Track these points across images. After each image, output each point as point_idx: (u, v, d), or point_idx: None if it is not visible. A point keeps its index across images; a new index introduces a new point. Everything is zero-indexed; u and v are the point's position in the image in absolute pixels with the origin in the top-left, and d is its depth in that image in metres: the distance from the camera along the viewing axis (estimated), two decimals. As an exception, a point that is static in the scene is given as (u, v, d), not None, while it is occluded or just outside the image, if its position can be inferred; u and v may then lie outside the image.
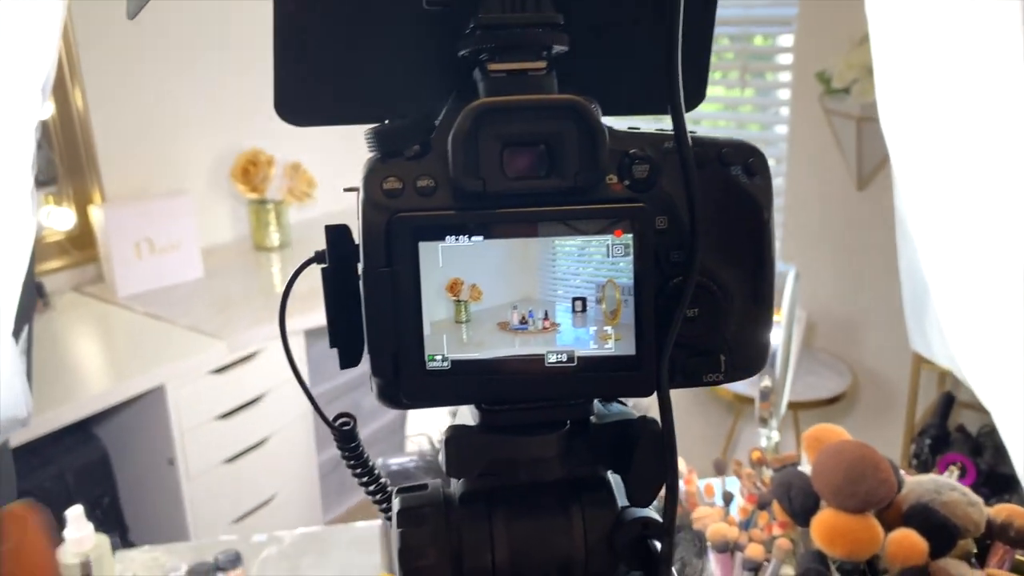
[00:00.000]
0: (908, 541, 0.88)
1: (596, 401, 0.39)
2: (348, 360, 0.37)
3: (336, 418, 0.42)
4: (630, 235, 0.34)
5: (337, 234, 0.37)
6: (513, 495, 0.38)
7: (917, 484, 0.95)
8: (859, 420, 2.68)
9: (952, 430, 2.37)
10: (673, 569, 0.36)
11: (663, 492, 0.37)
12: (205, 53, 2.54)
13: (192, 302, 2.32)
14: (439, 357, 0.35)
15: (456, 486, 0.39)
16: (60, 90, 2.25)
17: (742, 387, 2.46)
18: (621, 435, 0.37)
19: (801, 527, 0.96)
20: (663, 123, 0.38)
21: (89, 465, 2.09)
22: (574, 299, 0.35)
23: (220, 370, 2.10)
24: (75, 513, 1.11)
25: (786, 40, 2.67)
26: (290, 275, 0.39)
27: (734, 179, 0.36)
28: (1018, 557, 0.95)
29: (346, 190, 0.37)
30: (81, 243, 2.39)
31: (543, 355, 0.35)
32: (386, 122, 0.35)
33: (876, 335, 2.64)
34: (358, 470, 0.44)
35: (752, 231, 0.37)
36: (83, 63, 2.28)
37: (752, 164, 0.37)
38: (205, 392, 2.07)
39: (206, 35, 2.51)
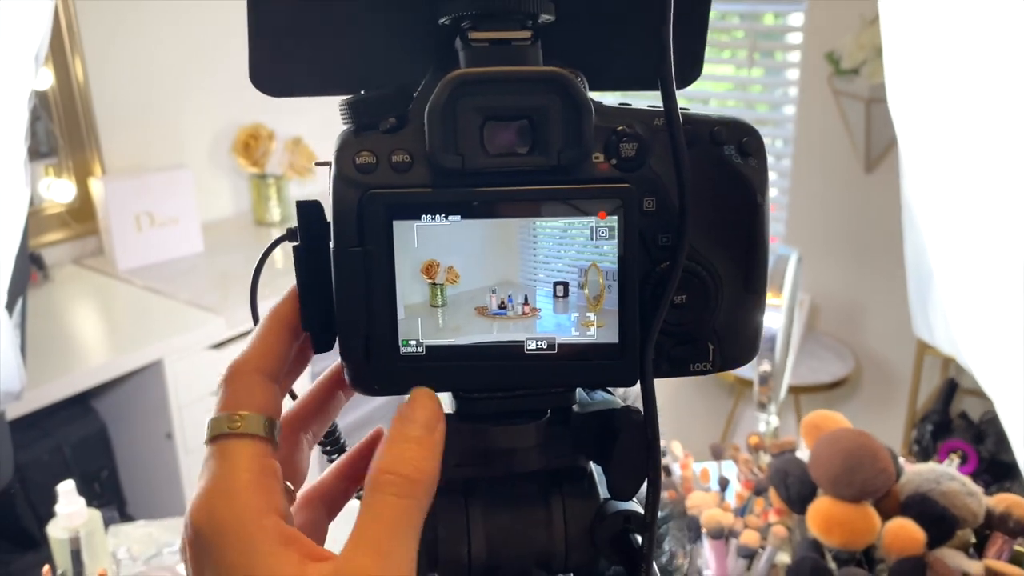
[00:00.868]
0: (905, 531, 0.87)
1: (580, 389, 0.38)
2: (321, 344, 0.36)
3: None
4: (615, 217, 0.32)
5: (308, 210, 0.35)
6: (491, 485, 0.37)
7: (916, 473, 0.94)
8: (861, 405, 2.66)
9: (954, 417, 2.35)
10: (655, 566, 0.35)
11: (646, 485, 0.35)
12: (207, 26, 2.51)
13: (192, 277, 2.31)
14: (413, 342, 0.33)
15: None
16: (60, 61, 2.23)
17: (743, 370, 2.45)
18: (604, 425, 0.36)
19: (797, 515, 0.95)
20: (657, 101, 0.37)
21: (87, 438, 2.09)
22: (556, 283, 0.33)
23: (219, 345, 2.09)
24: (66, 488, 1.10)
25: (795, 19, 2.63)
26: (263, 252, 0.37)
27: (727, 159, 0.35)
28: (1017, 548, 0.94)
29: (318, 164, 0.36)
30: (81, 215, 2.38)
31: (523, 342, 0.33)
32: (362, 93, 0.34)
33: (880, 320, 2.62)
34: (327, 448, 0.42)
35: (744, 215, 0.35)
36: (83, 33, 2.26)
37: (746, 144, 0.35)
38: (203, 367, 2.07)
39: (208, 7, 2.48)
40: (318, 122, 2.63)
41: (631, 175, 0.33)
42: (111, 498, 2.11)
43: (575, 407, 0.37)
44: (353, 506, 0.35)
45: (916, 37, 1.27)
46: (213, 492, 0.31)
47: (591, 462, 0.38)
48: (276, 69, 0.36)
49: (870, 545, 0.89)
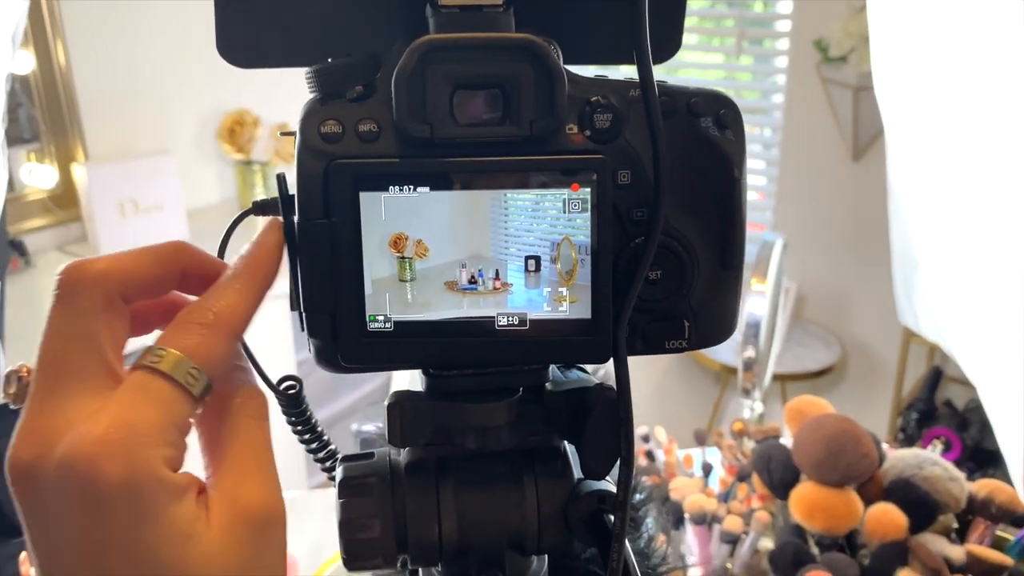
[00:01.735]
0: (887, 516, 0.87)
1: (554, 367, 0.37)
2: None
3: (280, 381, 0.40)
4: (588, 189, 0.31)
5: (279, 183, 0.34)
6: (463, 464, 0.36)
7: (899, 459, 0.94)
8: (847, 393, 2.67)
9: (939, 405, 2.36)
10: (631, 548, 0.34)
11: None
12: (192, 10, 2.48)
13: (176, 264, 2.29)
14: (381, 318, 0.32)
15: (403, 455, 0.37)
16: (41, 44, 2.20)
17: (729, 357, 2.45)
18: (577, 403, 0.35)
19: (780, 500, 0.95)
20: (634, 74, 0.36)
21: (69, 427, 2.08)
22: (527, 258, 0.32)
23: (202, 333, 2.07)
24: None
25: (784, 7, 2.63)
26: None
27: (704, 131, 0.34)
28: (999, 533, 0.94)
29: (283, 134, 0.35)
30: (64, 202, 2.35)
31: (493, 317, 0.32)
32: (329, 61, 0.33)
33: (866, 308, 2.62)
34: (306, 436, 0.42)
35: (721, 189, 0.34)
36: (65, 17, 2.23)
37: (724, 116, 0.34)
38: (187, 355, 2.05)
39: (192, -10, 2.45)
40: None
41: (605, 147, 0.33)
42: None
43: (548, 385, 0.36)
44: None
45: (903, 25, 1.26)
46: (105, 435, 0.27)
47: (565, 441, 0.37)
48: (243, 38, 0.35)
49: (853, 530, 0.89)
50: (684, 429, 1.33)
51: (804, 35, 2.48)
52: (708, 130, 0.34)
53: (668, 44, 0.37)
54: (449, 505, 0.35)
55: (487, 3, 0.32)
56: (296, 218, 0.32)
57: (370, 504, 0.35)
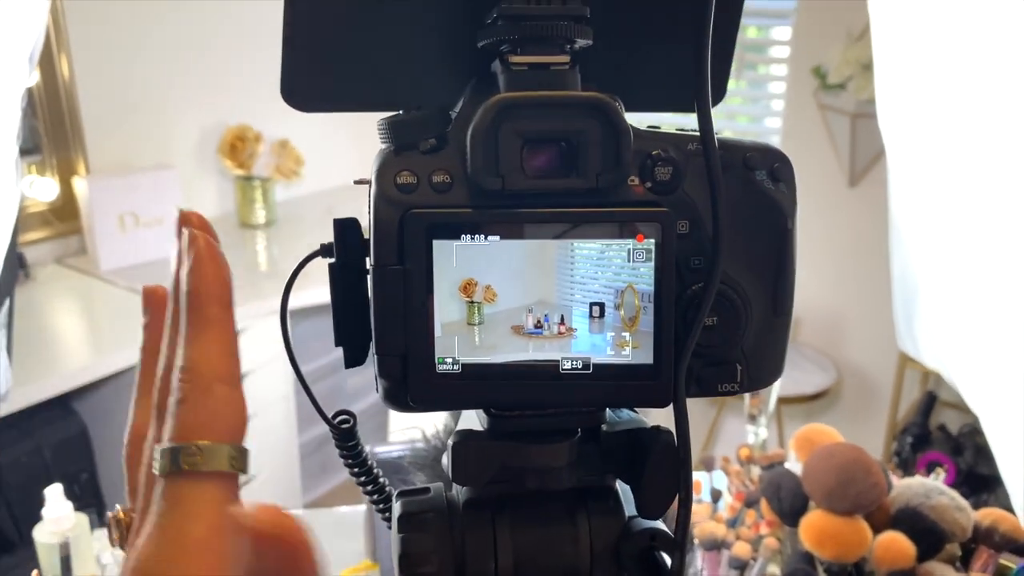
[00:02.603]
0: (896, 545, 0.88)
1: (607, 410, 0.38)
2: (353, 359, 0.36)
3: (335, 415, 0.41)
4: (652, 240, 0.33)
5: (346, 228, 0.35)
6: (518, 502, 0.37)
7: (906, 487, 0.95)
8: (842, 416, 2.69)
9: (933, 429, 2.38)
10: (681, 583, 0.35)
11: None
12: (196, 26, 2.50)
13: (176, 278, 2.29)
14: (449, 360, 0.33)
15: (459, 491, 0.38)
16: (46, 58, 2.21)
17: (727, 380, 2.46)
18: (632, 444, 0.36)
19: (789, 527, 0.96)
20: (683, 122, 0.37)
21: (68, 440, 2.07)
22: (592, 304, 0.33)
23: (203, 348, 2.07)
24: (54, 492, 1.09)
25: (780, 32, 2.66)
26: (293, 267, 0.37)
27: (759, 184, 0.35)
28: (1002, 562, 0.95)
29: (357, 182, 0.36)
30: (64, 214, 2.35)
31: (558, 361, 0.34)
32: (400, 113, 0.34)
33: (862, 332, 2.65)
34: (356, 469, 0.42)
35: (774, 239, 0.36)
36: (71, 32, 2.24)
37: (778, 170, 0.35)
38: (187, 370, 2.05)
39: (197, 8, 2.46)
40: (305, 125, 2.62)
41: (666, 198, 0.34)
42: (91, 501, 2.09)
43: (604, 426, 0.37)
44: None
45: (906, 52, 1.28)
46: (164, 549, 0.27)
47: (617, 480, 0.38)
48: (310, 83, 0.36)
49: (861, 558, 0.90)
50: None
51: (802, 62, 2.51)
52: (763, 183, 0.35)
53: (717, 91, 0.39)
54: (506, 541, 0.36)
55: (554, 61, 0.33)
56: (371, 263, 0.33)
57: (429, 539, 0.36)
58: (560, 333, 0.33)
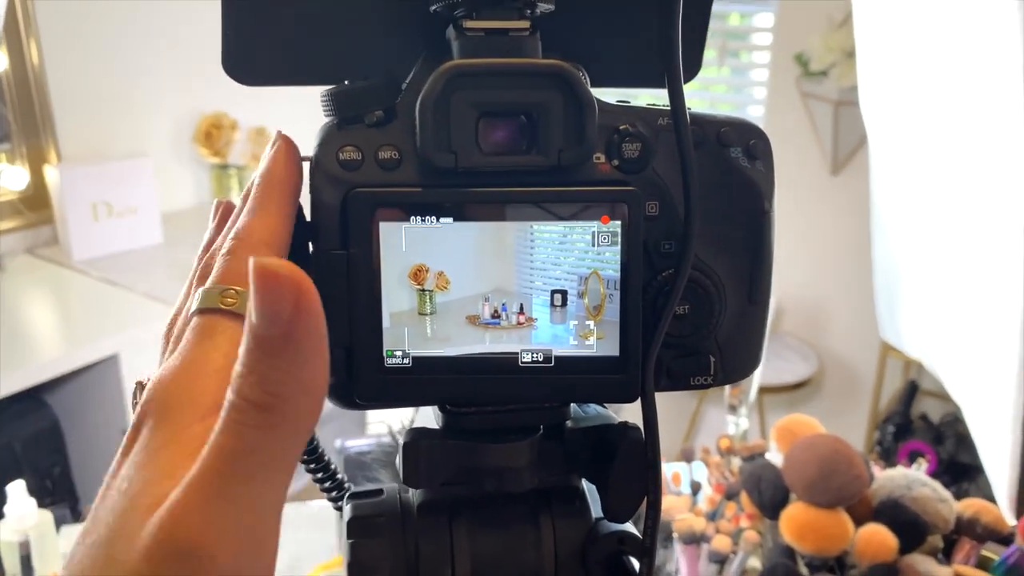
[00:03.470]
0: (878, 537, 0.87)
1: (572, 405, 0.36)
2: None
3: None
4: (619, 222, 0.30)
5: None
6: (476, 504, 0.35)
7: (888, 479, 0.93)
8: (824, 406, 2.68)
9: (915, 418, 2.38)
10: (651, 589, 0.33)
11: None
12: (170, 9, 2.45)
13: (150, 268, 2.25)
14: (399, 353, 0.31)
15: (414, 493, 0.35)
16: (14, 42, 2.16)
17: (709, 370, 2.45)
18: (598, 441, 0.34)
19: (770, 520, 0.94)
20: (654, 97, 0.35)
21: (39, 434, 2.03)
22: (553, 292, 0.31)
23: (177, 339, 2.04)
24: (17, 488, 1.06)
25: (761, 19, 2.64)
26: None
27: (733, 162, 0.33)
28: (984, 553, 0.94)
29: (302, 159, 0.33)
30: (35, 204, 2.30)
31: (517, 353, 0.31)
32: (346, 83, 0.31)
33: (844, 321, 2.64)
34: (312, 466, 0.40)
35: (751, 221, 0.33)
36: (39, 14, 2.18)
37: (754, 146, 0.33)
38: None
39: (170, -9, 2.42)
40: (283, 112, 2.57)
41: (634, 177, 0.31)
42: (63, 496, 2.05)
43: (568, 422, 0.35)
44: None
45: (888, 39, 1.27)
46: (183, 371, 0.27)
47: (583, 479, 0.36)
48: (251, 56, 0.33)
49: (843, 551, 0.88)
50: (662, 442, 1.32)
51: (784, 48, 2.49)
52: (738, 160, 0.33)
53: (691, 66, 0.36)
54: (463, 546, 0.34)
55: (513, 27, 0.30)
56: (311, 248, 0.30)
57: (380, 545, 0.33)
58: (519, 323, 0.31)
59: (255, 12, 0.32)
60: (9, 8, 2.09)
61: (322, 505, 1.33)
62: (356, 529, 0.34)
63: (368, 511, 0.34)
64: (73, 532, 1.28)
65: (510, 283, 0.31)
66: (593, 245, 0.30)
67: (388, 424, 0.63)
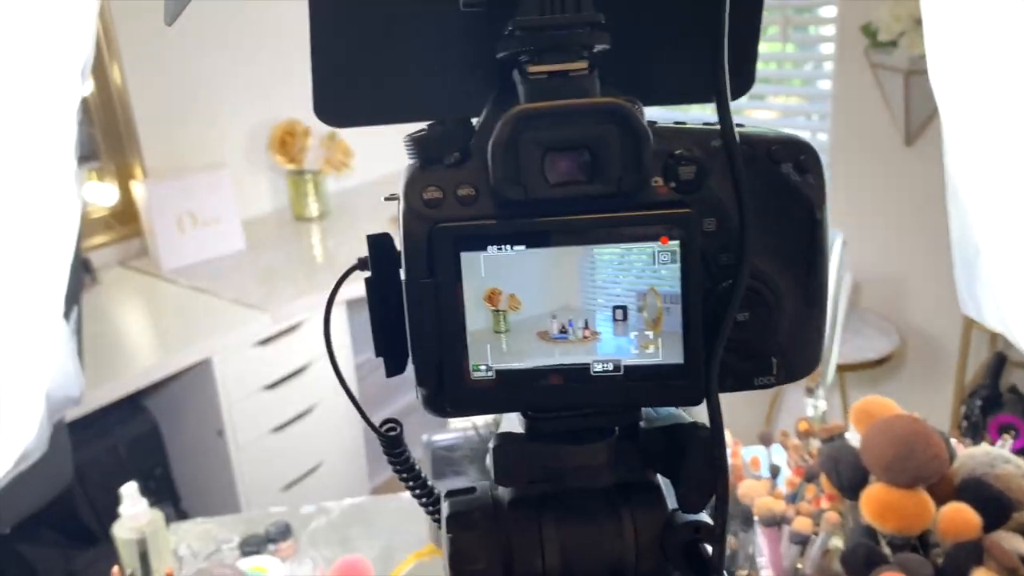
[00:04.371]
0: (961, 515, 0.87)
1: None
2: (394, 368, 0.37)
3: (382, 424, 0.42)
4: (677, 242, 0.33)
5: (379, 243, 0.36)
6: (562, 499, 0.38)
7: (970, 457, 0.93)
8: (907, 382, 2.63)
9: (1004, 391, 2.32)
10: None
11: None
12: (240, 25, 2.54)
13: (235, 274, 2.35)
14: (483, 367, 0.34)
15: (504, 489, 0.39)
16: (99, 67, 2.27)
17: (786, 350, 2.43)
18: (671, 440, 0.37)
19: (849, 500, 0.95)
20: (708, 115, 0.37)
21: (140, 437, 2.15)
22: (615, 307, 0.34)
23: (265, 341, 2.12)
24: (130, 490, 1.14)
25: (827, -8, 2.59)
26: (349, 259, 0.38)
27: (784, 177, 0.35)
28: (1076, 528, 0.93)
29: (387, 199, 0.37)
30: (124, 218, 2.42)
31: (588, 364, 0.34)
32: (424, 127, 0.35)
33: (924, 294, 2.58)
34: (404, 475, 0.44)
35: (803, 231, 0.35)
36: (120, 39, 2.29)
37: (803, 161, 0.35)
38: (251, 363, 2.11)
39: (240, 8, 2.50)
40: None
41: (690, 197, 0.34)
42: (165, 495, 2.17)
43: (642, 423, 0.38)
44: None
45: (957, 6, 1.24)
46: None
47: (659, 475, 0.39)
48: (339, 102, 0.37)
49: (925, 530, 0.89)
50: (740, 426, 1.33)
51: (850, 20, 2.44)
52: (789, 176, 0.35)
53: (744, 82, 0.39)
54: (552, 537, 0.37)
55: (572, 68, 0.33)
56: (403, 277, 0.34)
57: (477, 537, 0.37)
58: (585, 337, 0.34)
59: (341, 65, 0.36)
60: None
61: (411, 497, 1.39)
62: (455, 524, 0.38)
63: (464, 507, 0.38)
64: (179, 529, 1.37)
65: (575, 301, 0.34)
66: (652, 264, 0.33)
67: (473, 421, 0.67)
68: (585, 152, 0.33)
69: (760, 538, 0.97)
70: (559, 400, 0.35)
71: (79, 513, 2.07)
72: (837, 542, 0.97)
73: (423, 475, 0.43)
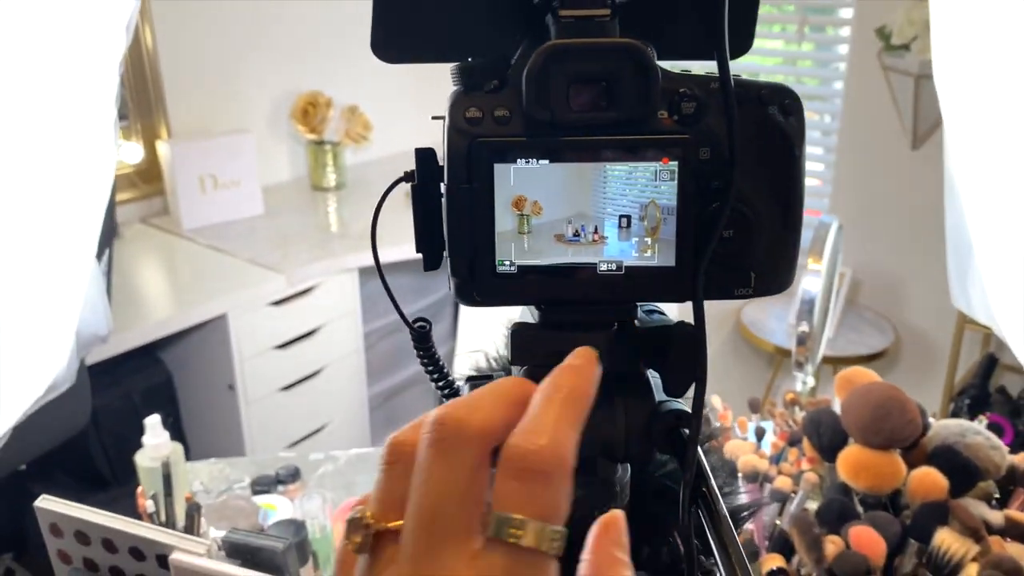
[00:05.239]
0: (929, 478, 0.93)
1: (639, 311, 0.45)
2: (431, 263, 0.43)
3: (415, 321, 0.49)
4: (675, 162, 0.39)
5: (425, 156, 0.43)
6: None
7: (943, 427, 1.00)
8: (899, 378, 2.70)
9: (993, 392, 2.38)
10: (700, 451, 0.42)
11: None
12: (269, -5, 2.59)
13: (252, 237, 2.41)
14: (507, 262, 0.41)
15: (517, 371, 0.45)
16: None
17: (782, 340, 2.50)
18: (660, 337, 0.43)
19: (828, 463, 1.01)
20: (714, 69, 0.44)
21: (154, 387, 2.22)
22: (620, 216, 0.40)
23: (279, 302, 2.19)
24: (153, 421, 1.21)
25: (846, -6, 2.65)
26: (363, 228, 0.45)
27: (771, 117, 0.41)
28: (1040, 502, 0.99)
29: (434, 118, 0.43)
30: (148, 176, 2.49)
31: (595, 263, 0.41)
32: (468, 60, 0.41)
33: (921, 295, 2.64)
34: (430, 367, 0.50)
35: (785, 164, 0.42)
36: (152, 2, 2.36)
37: (787, 105, 0.41)
38: (264, 322, 2.18)
39: (271, -24, 2.56)
40: (374, 92, 2.71)
41: (690, 128, 0.40)
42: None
43: (637, 323, 0.44)
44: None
45: (964, 13, 1.30)
46: None
47: (648, 370, 0.45)
48: (394, 41, 0.44)
49: (896, 491, 0.95)
50: (737, 405, 1.39)
51: (866, 22, 2.50)
52: (774, 116, 0.41)
53: (742, 43, 0.45)
54: None
55: (597, 14, 0.40)
56: (445, 183, 0.40)
57: None
58: (594, 240, 0.40)
59: (400, 7, 0.42)
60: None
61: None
62: None
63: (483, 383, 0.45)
64: (193, 468, 1.44)
65: (588, 209, 0.40)
66: (654, 180, 0.40)
67: (484, 351, 0.74)
68: (604, 84, 0.39)
69: (742, 492, 1.04)
70: (569, 293, 0.41)
71: (92, 457, 2.14)
72: (814, 503, 1.04)
73: (445, 368, 0.50)
